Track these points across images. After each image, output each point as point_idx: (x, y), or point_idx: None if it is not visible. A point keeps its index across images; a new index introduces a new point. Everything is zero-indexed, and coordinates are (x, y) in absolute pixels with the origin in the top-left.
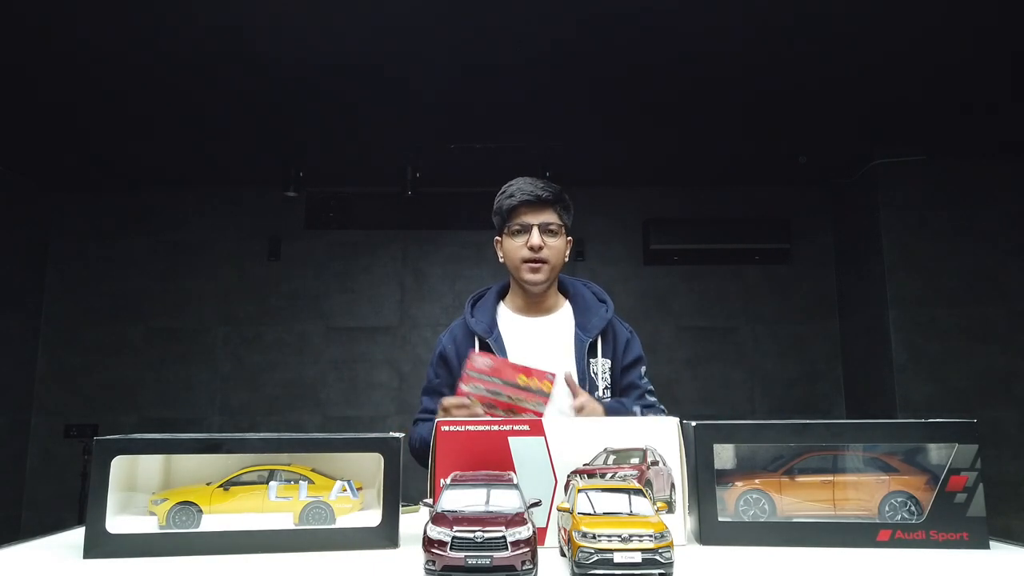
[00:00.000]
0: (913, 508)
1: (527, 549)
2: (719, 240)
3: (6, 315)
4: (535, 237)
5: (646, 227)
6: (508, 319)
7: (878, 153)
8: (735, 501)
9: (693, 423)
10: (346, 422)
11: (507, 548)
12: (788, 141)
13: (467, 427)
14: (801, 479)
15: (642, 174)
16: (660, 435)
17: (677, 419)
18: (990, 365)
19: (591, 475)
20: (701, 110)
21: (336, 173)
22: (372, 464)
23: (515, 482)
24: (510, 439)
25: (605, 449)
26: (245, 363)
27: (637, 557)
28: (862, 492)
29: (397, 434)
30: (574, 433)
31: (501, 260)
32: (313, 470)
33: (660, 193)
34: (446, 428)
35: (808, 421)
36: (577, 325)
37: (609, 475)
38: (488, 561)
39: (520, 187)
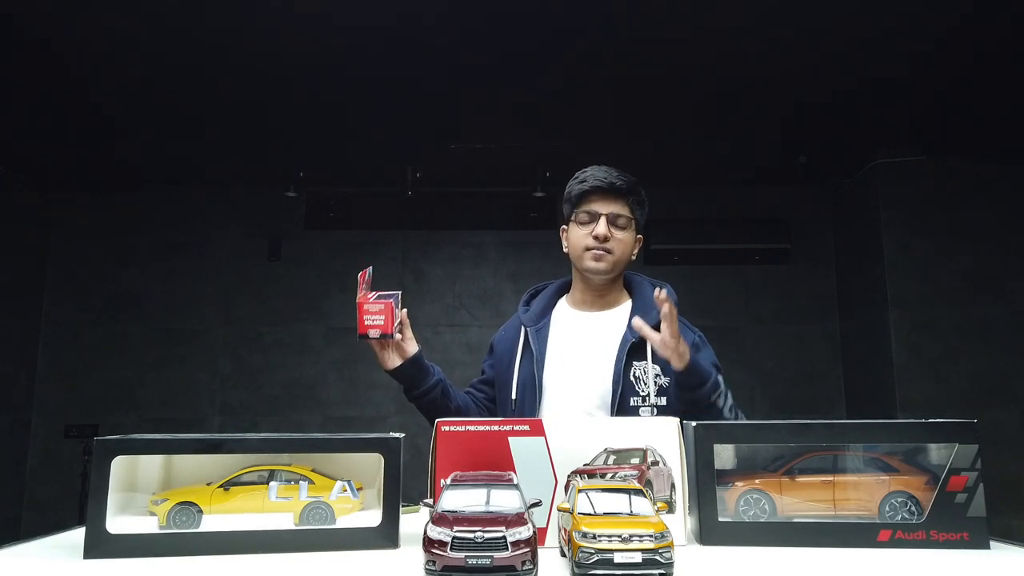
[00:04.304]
0: (913, 508)
1: (527, 549)
2: (719, 240)
3: (6, 315)
4: (601, 226)
5: (646, 227)
6: (563, 312)
7: (878, 153)
8: (735, 501)
9: (693, 423)
10: (346, 422)
11: (507, 548)
12: (788, 141)
13: (467, 427)
14: (801, 479)
15: (642, 174)
16: (660, 435)
17: (677, 419)
18: (990, 365)
19: (591, 475)
20: (701, 110)
21: (336, 173)
22: (372, 464)
23: (515, 482)
24: (510, 439)
25: (605, 449)
26: (245, 363)
27: (637, 557)
28: (862, 492)
29: (397, 434)
30: (574, 433)
31: (565, 250)
32: (313, 470)
33: (660, 193)
34: (446, 428)
35: (808, 421)
36: (629, 324)
37: (609, 475)
38: (488, 561)
39: (593, 173)
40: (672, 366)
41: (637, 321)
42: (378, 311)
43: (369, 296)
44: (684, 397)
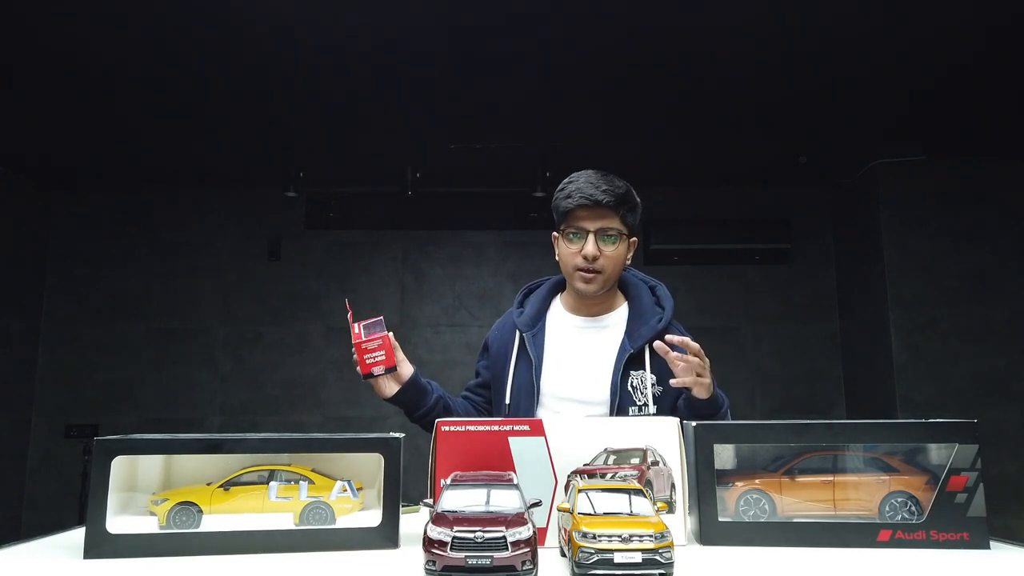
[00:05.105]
0: (913, 508)
1: (527, 549)
2: (719, 240)
3: (6, 315)
4: (590, 246)
5: (646, 227)
6: (558, 315)
7: (878, 153)
8: (735, 501)
9: (693, 423)
10: (346, 422)
11: (507, 548)
12: (788, 141)
13: (467, 427)
14: (801, 479)
15: (642, 174)
16: (660, 435)
17: (677, 419)
18: (990, 365)
19: (591, 475)
20: (701, 110)
21: (336, 173)
22: (372, 464)
23: (515, 482)
24: (510, 439)
25: (605, 449)
26: (245, 363)
27: (637, 557)
28: (862, 492)
29: (397, 434)
30: (574, 433)
31: (556, 259)
32: (313, 470)
33: (660, 193)
34: (446, 428)
35: (808, 421)
36: (626, 332)
37: (609, 475)
38: (488, 561)
39: (580, 187)
40: (695, 394)
41: (661, 346)
42: (376, 347)
43: (358, 331)
44: (694, 416)
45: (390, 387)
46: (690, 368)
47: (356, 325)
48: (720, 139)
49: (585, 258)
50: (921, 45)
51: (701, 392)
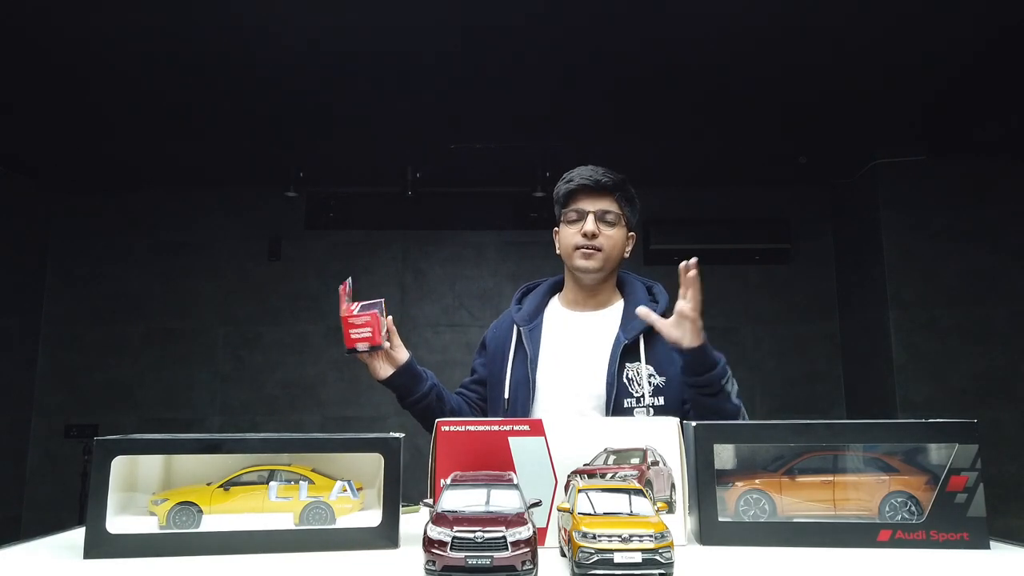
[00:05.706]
0: (913, 508)
1: (527, 549)
2: (719, 240)
3: (6, 315)
4: (590, 223)
5: (646, 227)
6: (555, 311)
7: (878, 153)
8: (735, 501)
9: (693, 423)
10: (346, 422)
11: (507, 548)
12: (788, 141)
13: (467, 427)
14: (801, 479)
15: (642, 174)
16: (660, 435)
17: (677, 419)
18: (990, 365)
19: (591, 475)
20: (701, 110)
21: (336, 173)
22: (372, 464)
23: (515, 482)
24: (510, 439)
25: (605, 449)
26: (245, 363)
27: (637, 557)
28: (862, 492)
29: (397, 434)
30: (574, 433)
31: (558, 252)
32: (313, 470)
33: (660, 193)
34: (446, 428)
35: (808, 421)
36: (621, 324)
37: (609, 475)
38: (488, 561)
39: (580, 172)
40: (685, 345)
41: (643, 310)
42: (364, 323)
43: (352, 308)
44: (694, 383)
45: (384, 369)
46: (686, 318)
47: (354, 304)
48: (720, 139)
49: (585, 235)
50: (921, 45)
51: (692, 338)
